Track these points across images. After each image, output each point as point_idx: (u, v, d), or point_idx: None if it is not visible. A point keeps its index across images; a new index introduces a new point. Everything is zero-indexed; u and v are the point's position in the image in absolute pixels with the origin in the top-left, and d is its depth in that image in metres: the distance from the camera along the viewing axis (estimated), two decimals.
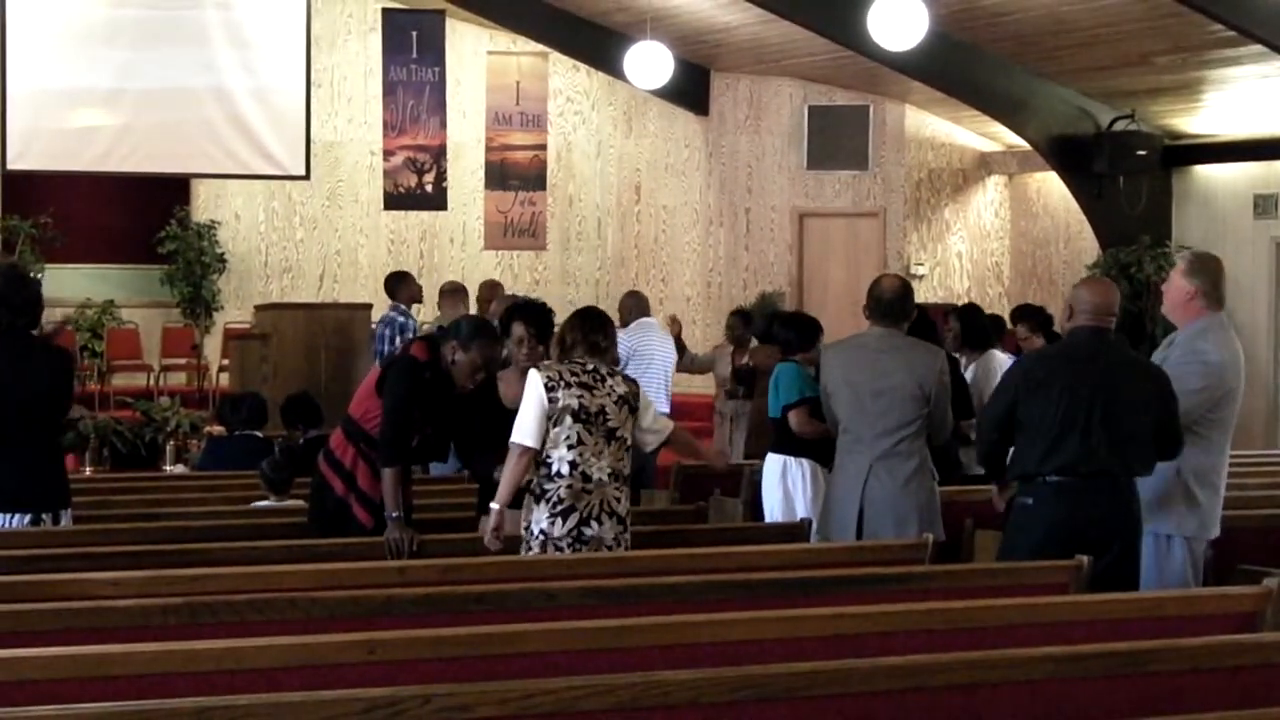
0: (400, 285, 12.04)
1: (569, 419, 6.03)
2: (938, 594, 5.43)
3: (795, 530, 7.10)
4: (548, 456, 6.06)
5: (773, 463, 8.19)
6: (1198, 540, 6.34)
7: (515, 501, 6.18)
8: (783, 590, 5.41)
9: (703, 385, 15.69)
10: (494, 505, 6.12)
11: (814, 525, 7.21)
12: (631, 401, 6.17)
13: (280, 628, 4.72)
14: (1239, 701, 4.40)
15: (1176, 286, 6.35)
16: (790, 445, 8.07)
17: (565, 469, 6.04)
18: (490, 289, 11.39)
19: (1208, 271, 6.35)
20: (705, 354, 12.52)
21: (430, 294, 12.67)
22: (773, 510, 8.09)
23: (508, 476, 6.11)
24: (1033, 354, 7.15)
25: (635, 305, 11.15)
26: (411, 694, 3.73)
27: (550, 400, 6.03)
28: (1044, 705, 4.32)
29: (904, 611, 4.96)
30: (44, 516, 6.38)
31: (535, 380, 6.08)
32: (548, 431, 6.04)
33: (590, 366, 6.14)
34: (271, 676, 4.14)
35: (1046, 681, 4.34)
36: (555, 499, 6.05)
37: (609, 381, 6.14)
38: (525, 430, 6.05)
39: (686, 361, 11.60)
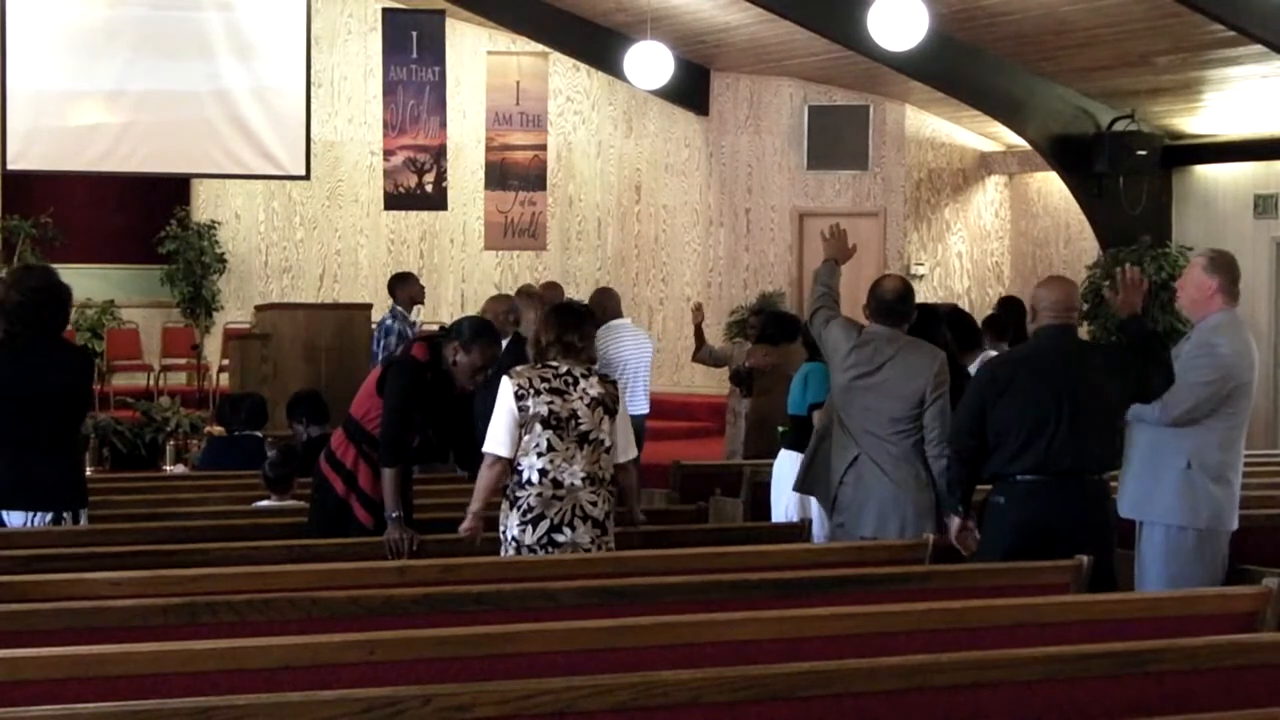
0: (399, 286, 11.99)
1: (538, 426, 6.02)
2: (937, 594, 5.43)
3: (795, 530, 7.10)
4: (519, 464, 6.06)
5: (789, 461, 8.11)
6: (1212, 533, 6.35)
7: None
8: (782, 590, 5.40)
9: (704, 385, 15.72)
10: (470, 511, 6.14)
11: (814, 524, 7.22)
12: (607, 403, 6.13)
13: (280, 628, 4.72)
14: (1239, 701, 4.41)
15: (1198, 282, 6.42)
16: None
17: (535, 476, 6.03)
18: (549, 289, 11.10)
19: (1227, 268, 6.46)
20: (722, 347, 12.38)
21: (432, 295, 12.65)
22: (788, 509, 8.00)
23: (479, 485, 6.15)
24: (999, 357, 7.16)
25: (608, 305, 10.50)
26: (411, 694, 3.73)
27: (520, 409, 6.03)
28: (1044, 705, 4.32)
29: (904, 611, 4.96)
30: (65, 515, 6.35)
31: (506, 388, 6.08)
32: (520, 439, 6.05)
33: (563, 370, 6.11)
34: (271, 676, 4.14)
35: (1047, 682, 4.34)
36: (526, 506, 6.05)
37: (582, 384, 6.10)
38: (496, 439, 6.07)
39: (704, 354, 11.43)
